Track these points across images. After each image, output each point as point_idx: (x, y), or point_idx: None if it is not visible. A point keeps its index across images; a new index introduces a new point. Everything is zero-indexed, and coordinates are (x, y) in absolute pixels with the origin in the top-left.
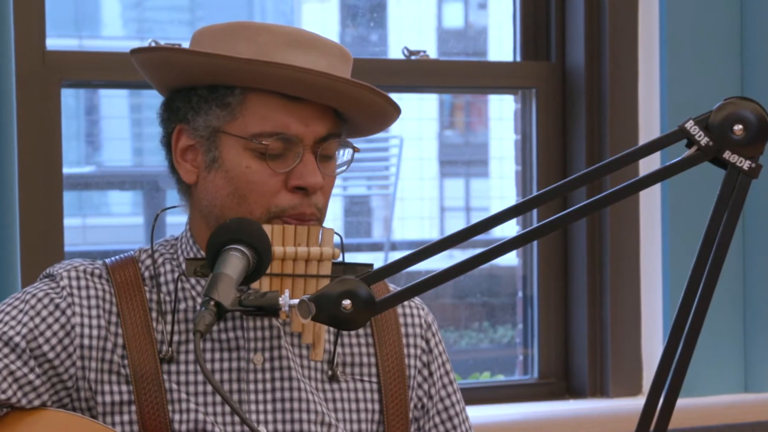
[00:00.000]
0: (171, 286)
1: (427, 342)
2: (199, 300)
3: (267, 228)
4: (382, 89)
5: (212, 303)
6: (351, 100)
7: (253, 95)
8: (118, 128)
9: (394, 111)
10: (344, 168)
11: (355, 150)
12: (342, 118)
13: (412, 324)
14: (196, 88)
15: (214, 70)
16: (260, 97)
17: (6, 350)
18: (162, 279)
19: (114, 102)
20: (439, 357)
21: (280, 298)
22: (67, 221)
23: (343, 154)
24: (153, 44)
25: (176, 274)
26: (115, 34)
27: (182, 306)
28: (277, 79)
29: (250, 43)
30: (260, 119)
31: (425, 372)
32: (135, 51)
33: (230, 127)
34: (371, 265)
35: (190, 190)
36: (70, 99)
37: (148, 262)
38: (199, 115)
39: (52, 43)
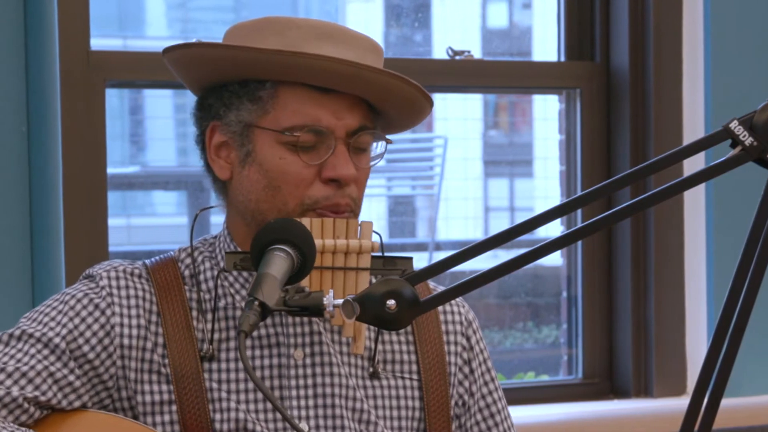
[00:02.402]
0: (210, 284)
1: (468, 339)
2: (237, 297)
3: (306, 221)
4: (427, 89)
5: (257, 303)
6: (381, 90)
7: (284, 88)
8: (163, 128)
9: (426, 101)
10: (378, 161)
11: (388, 142)
12: (375, 111)
13: (453, 321)
14: (227, 84)
15: (244, 63)
16: (291, 90)
17: (46, 352)
18: (201, 277)
19: (158, 102)
20: (480, 354)
21: (325, 298)
22: (112, 221)
23: (377, 147)
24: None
25: (215, 272)
26: (159, 34)
27: (222, 303)
28: (307, 70)
29: (279, 37)
30: (291, 112)
31: (466, 369)
32: (166, 50)
33: (262, 121)
34: (411, 259)
35: (225, 187)
36: (115, 99)
37: (188, 261)
38: (231, 110)
39: (97, 43)
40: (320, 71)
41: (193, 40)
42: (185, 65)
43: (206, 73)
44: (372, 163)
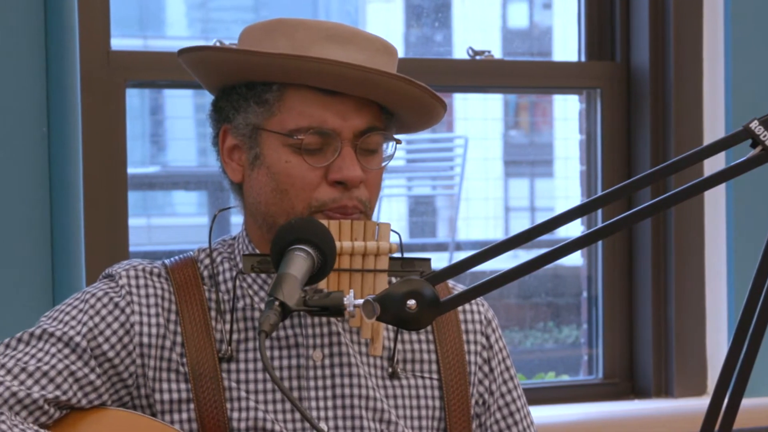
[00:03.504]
0: (229, 285)
1: (488, 338)
2: (256, 298)
3: (323, 223)
4: (447, 89)
5: (277, 303)
6: (389, 93)
7: (290, 91)
8: (183, 128)
9: (437, 102)
10: (388, 162)
11: (398, 142)
12: (388, 112)
13: (472, 320)
14: (236, 87)
15: (249, 67)
16: (297, 93)
17: (66, 351)
18: (220, 278)
19: (179, 102)
20: (500, 353)
21: (345, 299)
22: (132, 221)
23: (388, 148)
24: (218, 44)
25: (234, 273)
26: (179, 34)
27: (240, 304)
28: (312, 73)
29: (288, 38)
30: (297, 114)
31: (486, 368)
32: (180, 53)
33: (269, 124)
34: (429, 260)
35: (240, 189)
36: (135, 99)
37: (207, 261)
38: (239, 113)
39: (117, 43)
40: (324, 74)
41: (213, 42)
42: (196, 68)
43: (216, 75)
44: (383, 164)
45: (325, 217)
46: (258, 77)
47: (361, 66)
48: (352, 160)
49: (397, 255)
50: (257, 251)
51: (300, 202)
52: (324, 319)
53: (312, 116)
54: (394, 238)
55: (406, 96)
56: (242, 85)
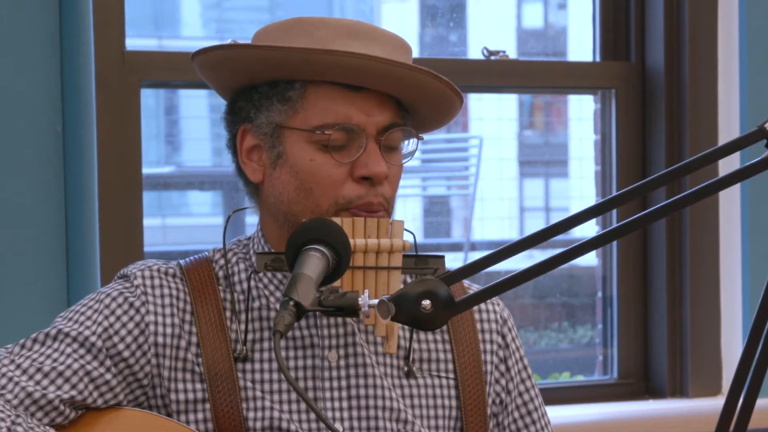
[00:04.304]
0: (244, 285)
1: (503, 337)
2: (272, 298)
3: (336, 221)
4: (462, 89)
5: (292, 303)
6: (412, 87)
7: (313, 88)
8: (198, 128)
9: (457, 98)
10: (409, 158)
11: (419, 138)
12: (405, 109)
13: (488, 320)
14: (256, 86)
15: (273, 63)
16: (320, 89)
17: (82, 351)
18: (236, 278)
19: (194, 102)
20: (516, 352)
21: (360, 299)
22: (147, 221)
23: (408, 144)
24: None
25: (249, 273)
26: (194, 34)
27: (255, 305)
28: (337, 68)
29: (308, 37)
30: (321, 111)
31: (502, 367)
32: (196, 54)
33: (292, 121)
34: (443, 257)
35: (258, 190)
36: (150, 99)
37: (222, 261)
38: (261, 112)
39: (132, 43)
40: (351, 69)
41: (228, 41)
42: (216, 68)
43: (236, 75)
44: (404, 161)
45: (350, 214)
46: (281, 74)
47: (388, 60)
48: (377, 155)
49: (411, 253)
50: (272, 250)
51: (326, 199)
52: (339, 320)
53: (337, 112)
54: (408, 237)
55: (428, 90)
56: (264, 84)
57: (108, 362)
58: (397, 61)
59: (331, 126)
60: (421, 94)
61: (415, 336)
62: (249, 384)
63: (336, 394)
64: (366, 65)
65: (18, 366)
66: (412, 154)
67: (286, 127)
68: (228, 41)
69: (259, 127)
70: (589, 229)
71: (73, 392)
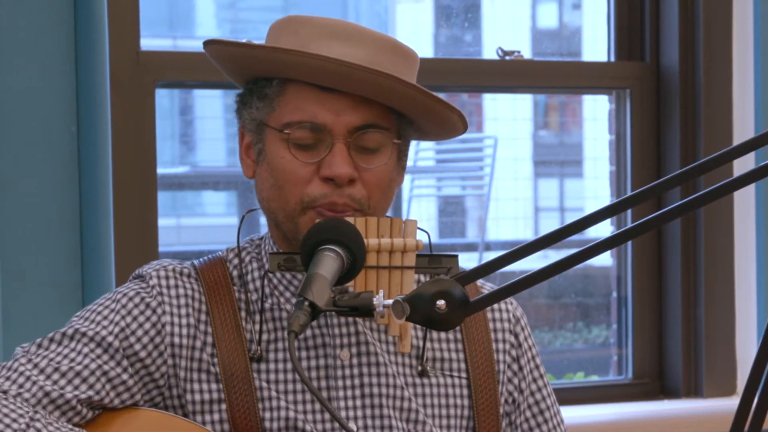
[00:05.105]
0: (258, 285)
1: (516, 336)
2: (282, 298)
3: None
4: (477, 89)
5: (306, 303)
6: (379, 90)
7: (290, 86)
8: (213, 128)
9: (447, 110)
10: (383, 162)
11: (396, 142)
12: (402, 115)
13: (501, 319)
14: (247, 83)
15: (251, 62)
16: (296, 89)
17: (99, 351)
18: (249, 278)
19: (208, 102)
20: (529, 351)
21: (374, 299)
22: (162, 221)
23: (404, 149)
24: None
25: (262, 273)
26: (209, 34)
27: (268, 304)
28: (305, 68)
29: (293, 35)
30: (292, 109)
31: (515, 366)
32: (205, 45)
33: (270, 119)
34: (456, 257)
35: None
36: (165, 99)
37: (236, 261)
38: (245, 109)
39: (147, 43)
40: (319, 70)
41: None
42: (218, 63)
43: (229, 71)
44: (380, 164)
45: (316, 213)
46: (260, 72)
47: (348, 62)
48: (342, 156)
49: (424, 252)
50: (280, 250)
51: (293, 197)
52: (351, 319)
53: (305, 110)
54: (422, 236)
55: (410, 100)
56: (250, 81)
57: (125, 362)
58: (358, 64)
59: (297, 124)
60: (405, 103)
61: (427, 335)
62: (264, 384)
63: (349, 392)
64: (332, 68)
65: (35, 365)
66: (403, 157)
67: (266, 125)
68: (243, 41)
69: (247, 124)
70: (604, 230)
71: (90, 392)
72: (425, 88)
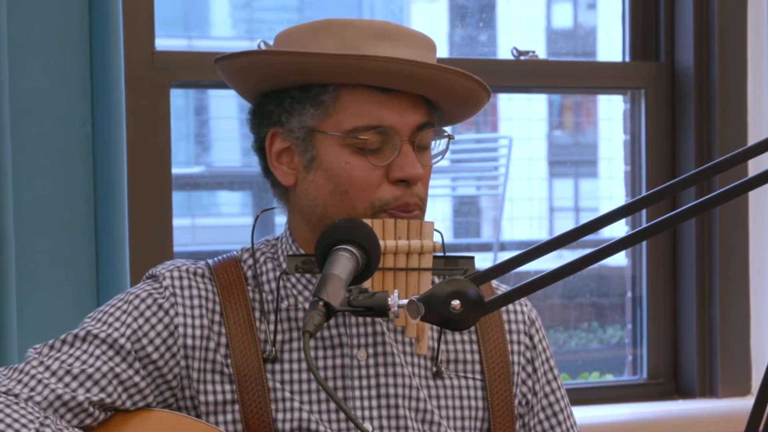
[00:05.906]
0: (273, 285)
1: (531, 338)
2: (300, 298)
3: (366, 222)
4: (491, 89)
5: (321, 303)
6: (445, 88)
7: (345, 91)
8: (227, 128)
9: (485, 94)
10: (440, 158)
11: (450, 138)
12: (433, 106)
13: (516, 320)
14: (287, 90)
15: (305, 69)
16: (353, 93)
17: (111, 353)
18: (264, 278)
19: (223, 102)
20: (543, 353)
21: (389, 299)
22: (177, 221)
23: (438, 144)
24: (262, 45)
25: (278, 274)
26: (224, 34)
27: (284, 305)
28: (372, 72)
29: (337, 39)
30: (355, 114)
31: (529, 368)
32: (218, 60)
33: (325, 126)
34: (472, 258)
35: (287, 192)
36: (179, 99)
37: (250, 261)
38: (292, 116)
39: (161, 43)
40: (384, 72)
41: (257, 42)
42: (240, 73)
43: (265, 79)
44: (434, 160)
45: (388, 215)
46: (314, 79)
47: (424, 63)
48: (412, 157)
49: (441, 254)
50: (301, 251)
51: (362, 202)
52: (368, 319)
53: (371, 115)
54: (436, 237)
55: (459, 90)
56: (295, 88)
57: (137, 365)
58: (428, 63)
59: (366, 129)
60: (450, 93)
61: (443, 337)
62: (278, 385)
63: (365, 392)
64: (399, 68)
65: (47, 368)
66: (443, 153)
67: (320, 132)
68: (257, 42)
69: (290, 131)
70: (619, 230)
71: (102, 395)
72: (479, 78)
